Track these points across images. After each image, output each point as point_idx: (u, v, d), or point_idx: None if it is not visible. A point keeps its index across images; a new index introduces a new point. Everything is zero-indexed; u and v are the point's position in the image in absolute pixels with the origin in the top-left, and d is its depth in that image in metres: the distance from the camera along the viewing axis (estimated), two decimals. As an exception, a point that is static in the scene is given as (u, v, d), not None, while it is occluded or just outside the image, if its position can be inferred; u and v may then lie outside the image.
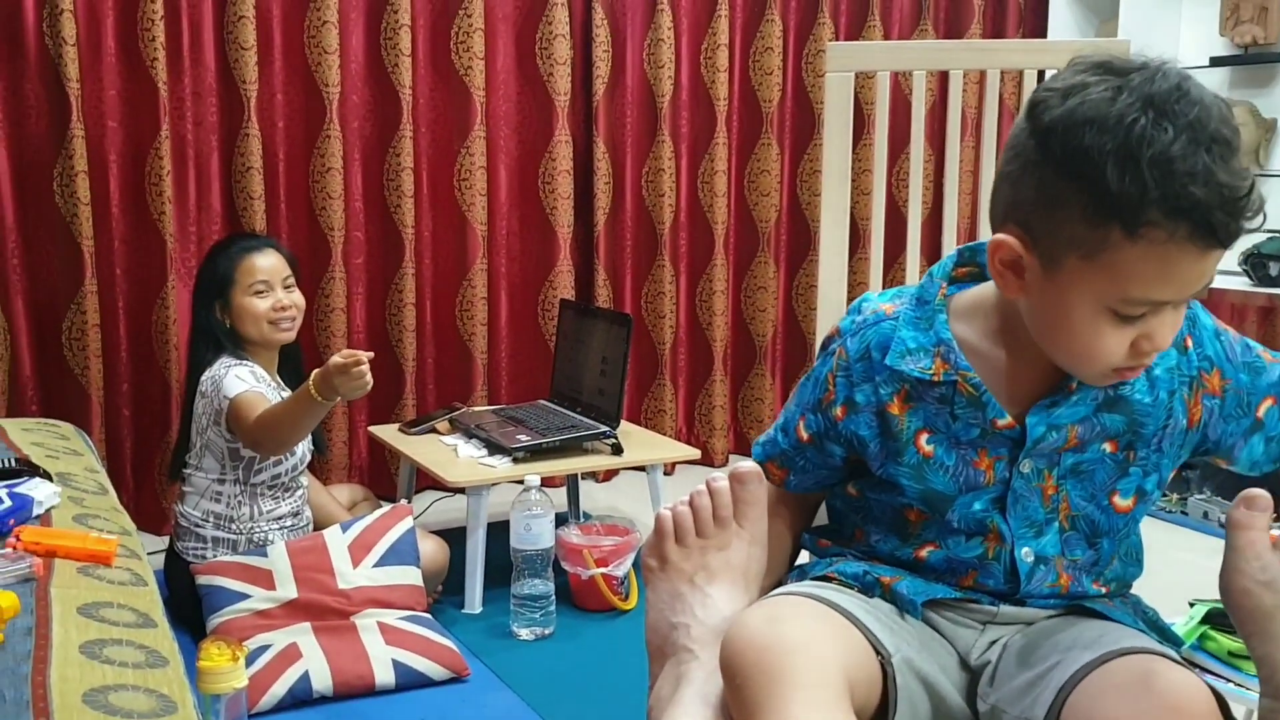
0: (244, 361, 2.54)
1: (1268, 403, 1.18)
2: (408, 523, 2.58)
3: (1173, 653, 1.11)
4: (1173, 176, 0.93)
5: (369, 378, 2.23)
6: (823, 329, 1.82)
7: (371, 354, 2.24)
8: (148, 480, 3.22)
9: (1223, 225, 0.94)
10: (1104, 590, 1.21)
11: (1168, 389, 1.15)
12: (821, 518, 1.37)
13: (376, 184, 3.41)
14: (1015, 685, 1.13)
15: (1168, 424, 1.16)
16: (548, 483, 3.21)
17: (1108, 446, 1.15)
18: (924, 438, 1.16)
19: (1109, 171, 0.94)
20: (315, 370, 2.28)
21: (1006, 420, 1.13)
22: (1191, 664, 1.57)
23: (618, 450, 2.87)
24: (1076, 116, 0.96)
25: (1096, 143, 0.95)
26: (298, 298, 2.64)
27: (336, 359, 2.21)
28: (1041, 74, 2.27)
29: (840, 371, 1.20)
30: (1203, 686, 1.02)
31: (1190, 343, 1.16)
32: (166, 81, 3.06)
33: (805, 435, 1.24)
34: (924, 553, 1.19)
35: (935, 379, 1.14)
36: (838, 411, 1.20)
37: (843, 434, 1.21)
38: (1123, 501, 1.17)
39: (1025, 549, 1.17)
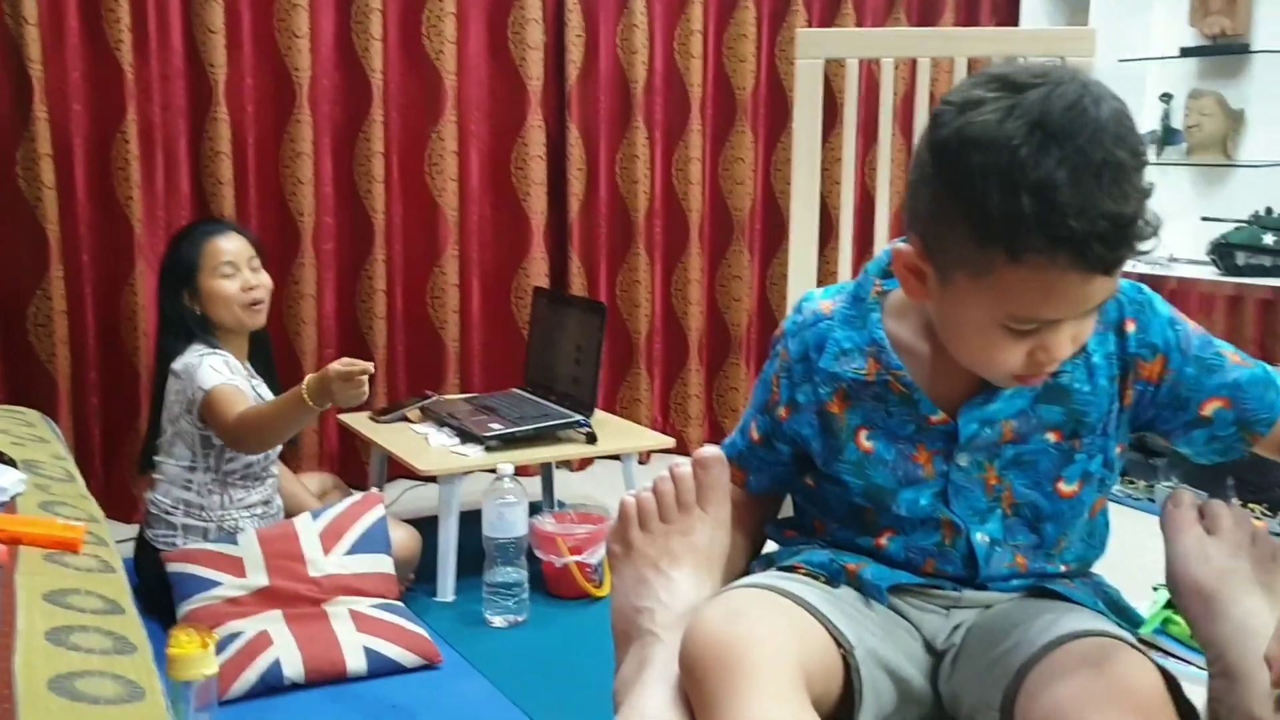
0: (217, 350, 2.52)
1: (1216, 403, 1.15)
2: (379, 510, 2.57)
3: (1128, 635, 1.12)
4: (1053, 207, 0.91)
5: (366, 389, 2.25)
6: (794, 316, 1.82)
7: (372, 366, 2.26)
8: (117, 468, 3.20)
9: (1099, 257, 0.93)
10: (1063, 569, 1.22)
11: (1107, 375, 1.15)
12: (787, 509, 1.38)
13: (346, 169, 3.39)
14: (974, 669, 1.14)
15: (1111, 409, 1.16)
16: (522, 471, 3.20)
17: (1051, 436, 1.15)
18: (864, 434, 1.18)
19: (992, 196, 0.93)
20: (311, 375, 2.29)
21: (939, 416, 1.14)
22: (1154, 647, 1.59)
23: (592, 439, 2.87)
24: (965, 135, 0.94)
25: (981, 166, 0.93)
26: (265, 278, 2.62)
27: (338, 366, 2.22)
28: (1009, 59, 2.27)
29: (783, 373, 1.23)
30: (1153, 668, 1.03)
31: (1132, 326, 1.15)
32: (132, 64, 3.03)
33: (756, 436, 1.28)
34: (883, 540, 1.20)
35: (869, 379, 1.16)
36: (781, 412, 1.23)
37: (787, 433, 1.24)
38: (1067, 487, 1.18)
39: (980, 534, 1.18)
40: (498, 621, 2.57)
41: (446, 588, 2.70)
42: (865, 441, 1.18)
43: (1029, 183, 0.91)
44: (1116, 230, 0.93)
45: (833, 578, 1.20)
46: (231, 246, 2.58)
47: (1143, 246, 0.96)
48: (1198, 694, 1.13)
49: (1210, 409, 1.15)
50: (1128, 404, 1.16)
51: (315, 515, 2.53)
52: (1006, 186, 0.92)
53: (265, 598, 2.37)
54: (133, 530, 2.75)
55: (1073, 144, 0.92)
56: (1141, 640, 1.54)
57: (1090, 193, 0.91)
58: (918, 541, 1.19)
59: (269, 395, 2.62)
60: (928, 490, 1.17)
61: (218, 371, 2.45)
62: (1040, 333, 1.00)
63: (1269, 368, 1.18)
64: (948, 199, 0.97)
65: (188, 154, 3.18)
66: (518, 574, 2.59)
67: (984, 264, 0.96)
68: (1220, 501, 1.20)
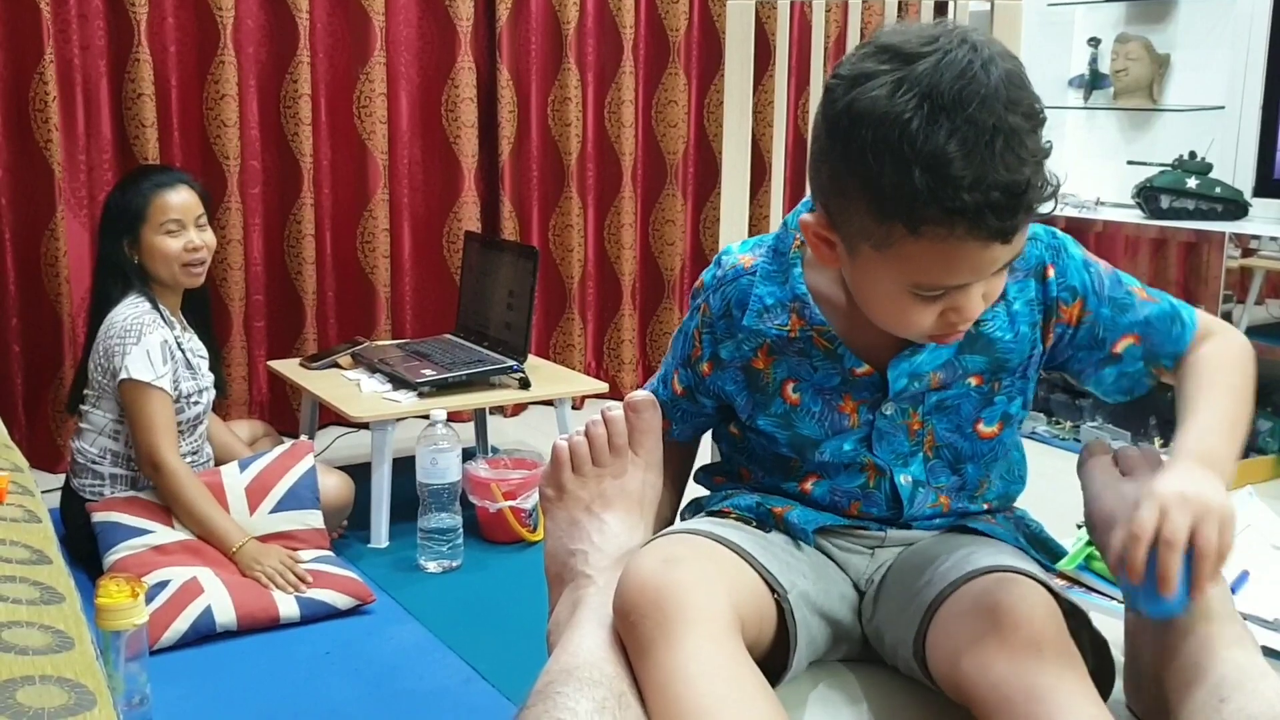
0: (157, 319, 2.45)
1: (1128, 340, 1.17)
2: (308, 462, 2.55)
3: (1034, 568, 1.14)
4: (945, 181, 0.91)
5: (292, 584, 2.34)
6: (726, 260, 1.83)
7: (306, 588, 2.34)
8: (40, 417, 3.14)
9: (995, 227, 0.93)
10: (985, 508, 1.25)
11: (1029, 321, 1.16)
12: (714, 454, 1.39)
13: (273, 111, 3.32)
14: (893, 607, 1.17)
15: (1031, 353, 1.17)
16: (455, 418, 3.20)
17: (972, 380, 1.17)
18: (790, 386, 1.19)
19: (885, 173, 0.93)
20: (252, 544, 2.37)
21: (864, 369, 1.15)
22: (1077, 582, 1.63)
23: (525, 385, 2.87)
24: (856, 110, 0.94)
25: (873, 141, 0.93)
26: (209, 237, 2.57)
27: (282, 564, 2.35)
28: (940, 3, 2.27)
29: (705, 329, 1.22)
30: (1046, 600, 1.05)
31: (1052, 272, 1.15)
32: (49, 3, 2.93)
33: (679, 389, 1.28)
34: (808, 485, 1.22)
35: (792, 334, 1.16)
36: (704, 368, 1.23)
37: (710, 388, 1.24)
38: (987, 428, 1.20)
39: (904, 475, 1.20)
40: (432, 567, 2.57)
41: (380, 534, 2.70)
42: (792, 394, 1.19)
43: (920, 157, 0.91)
44: (1011, 199, 0.93)
45: (762, 521, 1.22)
46: (180, 201, 2.51)
47: (1041, 209, 0.97)
48: (1118, 627, 1.16)
49: (1122, 346, 1.17)
50: (1047, 346, 1.18)
51: (243, 466, 2.50)
52: (898, 162, 0.92)
53: (191, 550, 2.35)
54: (58, 480, 2.71)
55: (963, 114, 0.91)
56: (1062, 575, 1.59)
57: (982, 162, 0.91)
58: (842, 485, 1.21)
59: (201, 349, 2.58)
60: (852, 437, 1.19)
61: (150, 364, 2.40)
62: (949, 296, 1.01)
63: (1173, 300, 1.20)
64: (845, 174, 0.97)
65: (109, 96, 3.09)
66: (452, 520, 2.59)
67: (884, 237, 0.97)
68: (1131, 446, 1.23)
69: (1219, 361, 1.16)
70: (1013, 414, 1.21)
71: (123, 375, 2.39)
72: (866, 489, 1.20)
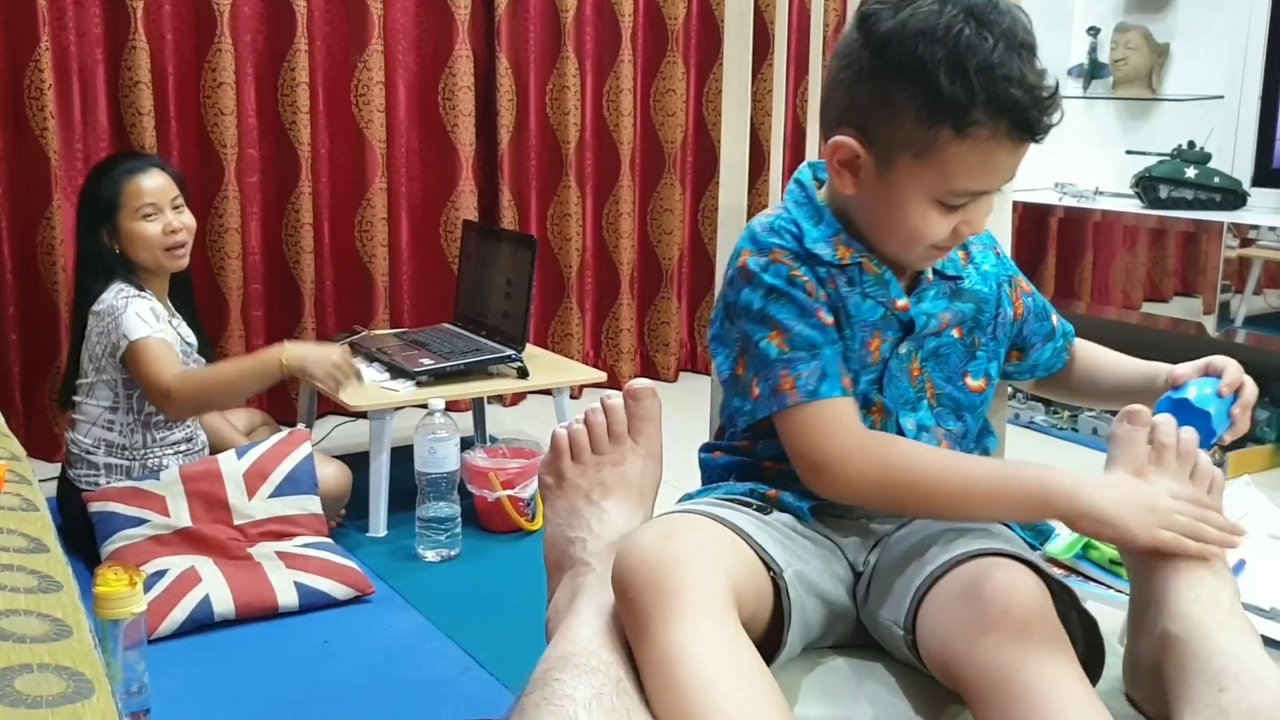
0: (142, 293, 2.46)
1: (1055, 317, 1.38)
2: (305, 449, 2.55)
3: (1024, 549, 1.16)
4: (995, 81, 1.06)
5: (347, 381, 2.49)
6: (724, 252, 1.82)
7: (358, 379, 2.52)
8: (38, 407, 3.14)
9: (1036, 120, 1.08)
10: None
11: (995, 281, 1.30)
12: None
13: (270, 99, 3.31)
14: (886, 589, 1.18)
15: (998, 314, 1.30)
16: (453, 407, 3.19)
17: (955, 332, 1.26)
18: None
19: (941, 78, 1.06)
20: (293, 346, 2.42)
21: (904, 302, 1.22)
22: (1074, 571, 1.63)
23: (523, 374, 2.87)
24: (909, 28, 1.08)
25: (929, 52, 1.07)
26: (188, 218, 2.56)
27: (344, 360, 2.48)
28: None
29: (795, 264, 1.19)
30: (1034, 583, 1.06)
31: (999, 252, 1.34)
32: (45, -10, 2.93)
33: (830, 319, 1.19)
34: None
35: (844, 262, 1.21)
36: (824, 294, 1.20)
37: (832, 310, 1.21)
38: (974, 382, 1.29)
39: (909, 420, 1.24)
40: (430, 556, 2.57)
41: (378, 523, 2.70)
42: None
43: (976, 61, 1.06)
44: (1047, 98, 1.08)
45: (762, 505, 1.22)
46: (153, 185, 2.50)
47: (1057, 118, 1.11)
48: (1116, 616, 1.16)
49: (1055, 319, 1.38)
50: (1019, 315, 1.33)
51: (240, 454, 2.50)
52: (955, 67, 1.06)
53: (189, 540, 2.35)
54: (55, 469, 2.71)
55: (1000, 28, 1.07)
56: (1058, 563, 1.59)
57: (1021, 67, 1.07)
58: None
59: (190, 336, 2.58)
60: (865, 376, 1.22)
61: (144, 321, 2.39)
62: (966, 208, 1.14)
63: None
64: (893, 87, 1.10)
65: (106, 84, 3.08)
66: (450, 509, 2.59)
67: (930, 143, 1.09)
68: (1172, 421, 1.18)
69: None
70: (992, 375, 1.30)
71: (123, 346, 2.39)
72: (872, 430, 1.22)
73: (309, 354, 2.44)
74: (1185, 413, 1.23)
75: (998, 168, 1.11)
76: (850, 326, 1.21)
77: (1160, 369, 1.33)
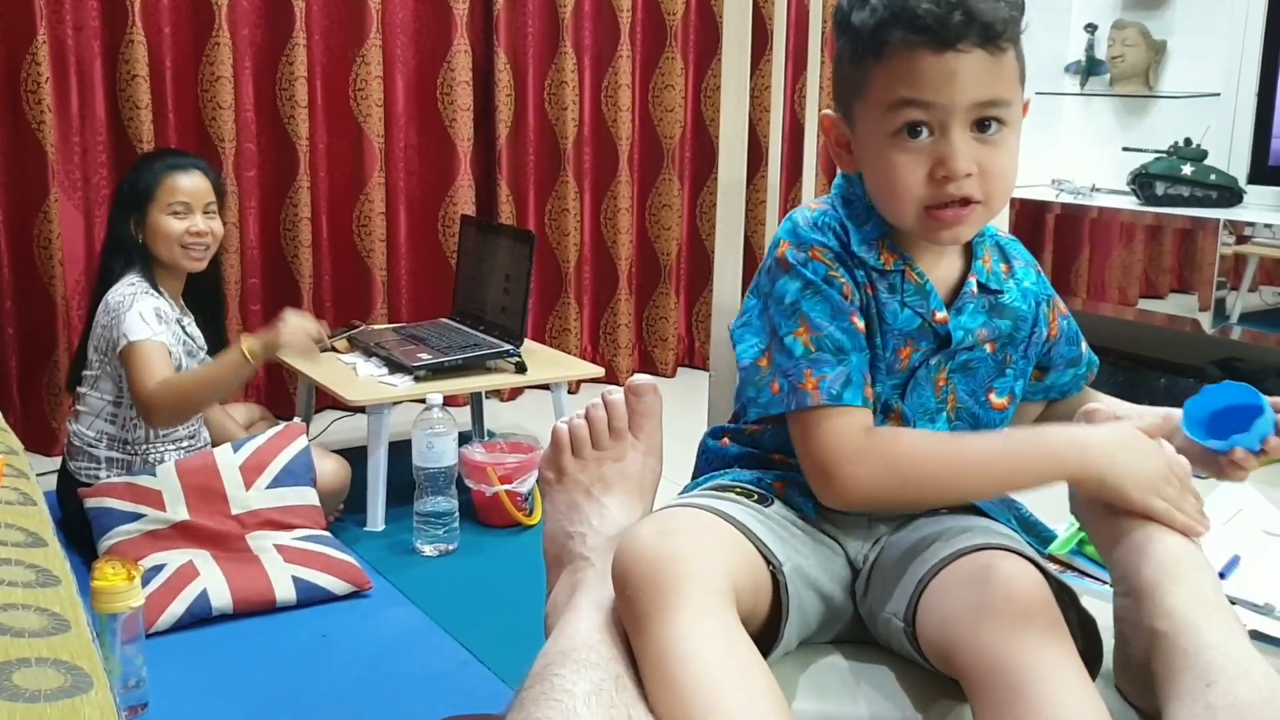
0: (150, 291, 2.46)
1: (1084, 344, 1.36)
2: (301, 442, 2.55)
3: (1025, 547, 1.16)
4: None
5: (317, 339, 2.49)
6: (721, 247, 1.82)
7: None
8: (35, 400, 3.14)
9: (938, 26, 1.08)
10: None
11: (1035, 299, 1.27)
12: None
13: (269, 94, 3.31)
14: (886, 581, 1.18)
15: (1034, 332, 1.27)
16: (451, 402, 3.20)
17: (988, 347, 1.24)
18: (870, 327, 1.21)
19: (852, 14, 1.13)
20: (250, 337, 2.40)
21: (944, 315, 1.20)
22: (1069, 567, 1.64)
23: (521, 369, 2.87)
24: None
25: (848, 3, 1.14)
26: (216, 225, 2.56)
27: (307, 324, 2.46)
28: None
29: (835, 265, 1.18)
30: (1036, 576, 1.07)
31: (1040, 270, 1.31)
32: (43, -17, 2.92)
33: (863, 325, 1.18)
34: None
35: (887, 267, 1.19)
36: (860, 297, 1.19)
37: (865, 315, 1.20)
38: (998, 399, 1.26)
39: (925, 428, 1.22)
40: (428, 550, 2.58)
41: (376, 518, 2.70)
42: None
43: None
44: (952, 6, 1.07)
45: (764, 496, 1.22)
46: (190, 185, 2.51)
47: (995, 29, 1.08)
48: (1110, 610, 1.17)
49: (1084, 347, 1.36)
50: (1053, 336, 1.30)
51: (236, 447, 2.50)
52: (862, 4, 1.12)
53: (186, 533, 2.35)
54: (53, 463, 2.71)
55: None
56: (1054, 559, 1.59)
57: None
58: None
59: (198, 335, 2.58)
60: (890, 381, 1.21)
61: (145, 323, 2.39)
62: (934, 144, 1.11)
63: None
64: (837, 43, 1.17)
65: (103, 77, 3.08)
66: (448, 503, 2.60)
67: (862, 78, 1.13)
68: (1132, 407, 1.25)
69: None
70: (1016, 394, 1.28)
71: (122, 344, 2.39)
72: None
73: (267, 334, 2.42)
74: (1227, 418, 1.19)
75: (928, 77, 1.09)
76: (883, 334, 1.19)
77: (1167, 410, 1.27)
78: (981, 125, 1.11)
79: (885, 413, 1.21)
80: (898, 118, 1.11)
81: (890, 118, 1.12)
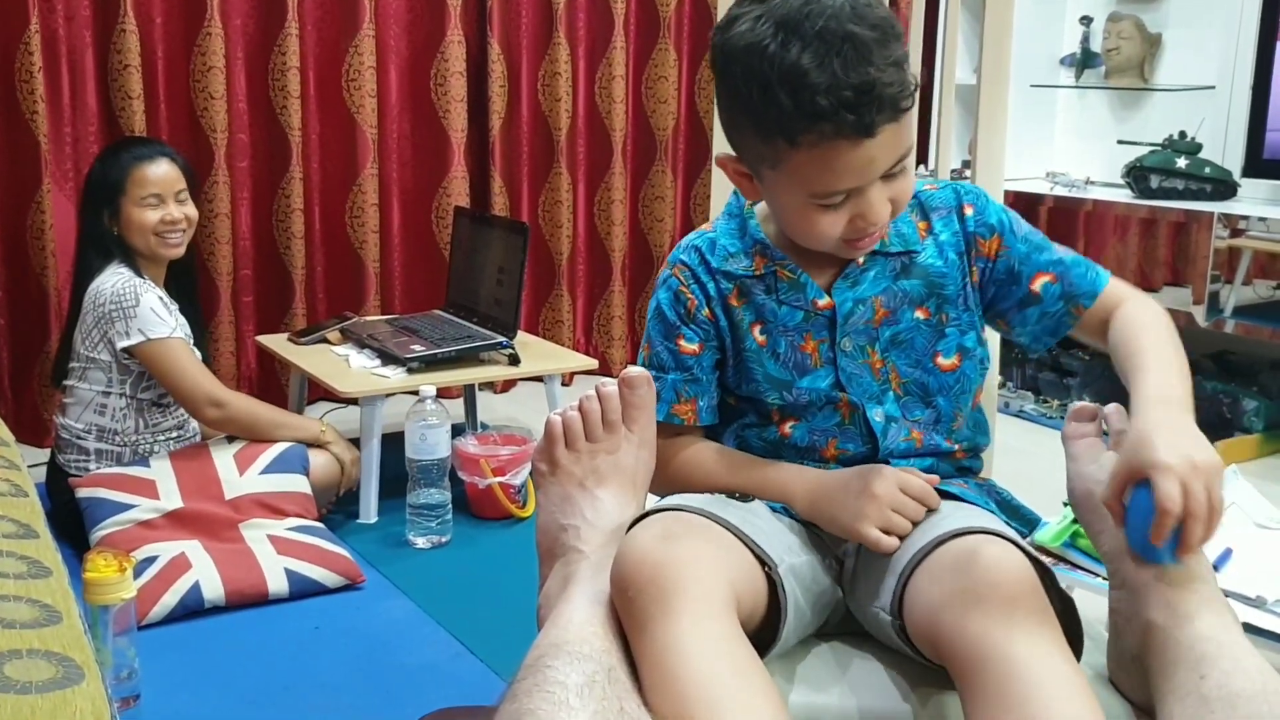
0: (144, 279, 2.46)
1: (1045, 278, 1.27)
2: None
3: (1009, 531, 1.16)
4: (802, 90, 1.04)
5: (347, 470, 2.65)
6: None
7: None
8: (27, 392, 3.13)
9: (855, 123, 1.05)
10: (955, 448, 1.29)
11: (955, 250, 1.27)
12: None
13: (261, 84, 3.30)
14: (873, 571, 1.19)
15: (965, 282, 1.27)
16: (445, 394, 3.19)
17: (919, 314, 1.26)
18: (758, 329, 1.26)
19: (754, 98, 1.07)
20: (334, 429, 2.65)
21: (825, 300, 1.23)
22: (1062, 559, 1.64)
23: (515, 361, 2.87)
24: (727, 51, 1.09)
25: (743, 74, 1.08)
26: (190, 210, 2.56)
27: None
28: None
29: (688, 282, 1.28)
30: (1021, 560, 1.06)
31: (970, 210, 1.27)
32: (34, -27, 2.91)
33: (693, 347, 1.28)
34: (787, 428, 1.28)
35: (758, 273, 1.26)
36: (706, 312, 1.28)
37: (716, 330, 1.28)
38: (946, 360, 1.27)
39: (876, 411, 1.26)
40: (421, 543, 2.58)
41: (369, 509, 2.70)
42: (759, 335, 1.26)
43: (780, 76, 1.05)
44: (862, 96, 1.04)
45: (743, 495, 1.25)
46: (159, 174, 2.50)
47: (902, 105, 1.08)
48: (1103, 604, 1.17)
49: (1039, 284, 1.27)
50: (975, 281, 1.28)
51: (230, 438, 2.50)
52: (764, 85, 1.06)
53: (179, 522, 2.35)
54: (44, 455, 2.70)
55: (812, 31, 1.04)
56: (1047, 551, 1.59)
57: (833, 70, 1.04)
58: (819, 424, 1.27)
59: (184, 323, 2.57)
60: (822, 379, 1.25)
61: (161, 318, 2.40)
62: (850, 202, 1.12)
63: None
64: (732, 109, 1.13)
65: (95, 67, 3.07)
66: (441, 495, 2.59)
67: (774, 156, 1.11)
68: (1119, 408, 1.22)
69: (1148, 318, 1.25)
70: (969, 348, 1.28)
71: (137, 340, 2.39)
72: (842, 425, 1.27)
73: (347, 442, 2.66)
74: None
75: (849, 167, 1.09)
76: (773, 334, 1.25)
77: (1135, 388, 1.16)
78: (891, 171, 1.13)
79: (833, 403, 1.25)
80: (821, 197, 1.12)
81: (808, 194, 1.12)
